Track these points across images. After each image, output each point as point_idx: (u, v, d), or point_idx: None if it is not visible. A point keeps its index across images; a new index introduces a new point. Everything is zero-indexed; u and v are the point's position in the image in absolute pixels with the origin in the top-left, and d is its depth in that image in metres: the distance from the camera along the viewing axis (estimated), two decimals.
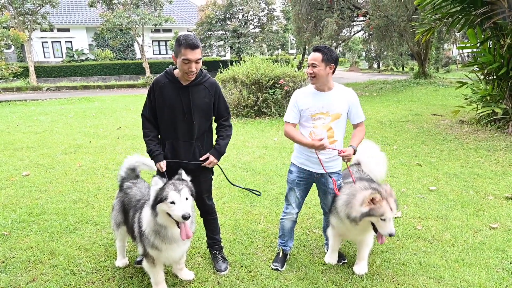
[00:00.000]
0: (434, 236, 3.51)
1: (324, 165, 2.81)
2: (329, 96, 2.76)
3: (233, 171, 5.43)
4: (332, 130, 2.78)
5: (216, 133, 2.93)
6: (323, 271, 2.97)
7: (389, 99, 12.32)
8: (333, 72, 2.72)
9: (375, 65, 34.77)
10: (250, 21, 26.50)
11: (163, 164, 2.68)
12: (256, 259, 3.15)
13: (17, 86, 19.64)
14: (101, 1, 21.85)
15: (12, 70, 14.13)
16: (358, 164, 3.27)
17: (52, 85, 20.54)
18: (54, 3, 19.50)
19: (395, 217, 3.89)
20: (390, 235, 2.53)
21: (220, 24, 25.06)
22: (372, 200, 2.55)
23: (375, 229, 2.63)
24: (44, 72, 23.41)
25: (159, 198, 2.35)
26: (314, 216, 3.94)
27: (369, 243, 2.95)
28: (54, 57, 28.03)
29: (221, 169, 3.02)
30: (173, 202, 2.31)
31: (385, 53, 26.70)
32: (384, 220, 2.53)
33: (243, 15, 25.97)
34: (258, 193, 3.09)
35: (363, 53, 34.41)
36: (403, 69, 30.77)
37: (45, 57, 27.83)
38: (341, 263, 3.07)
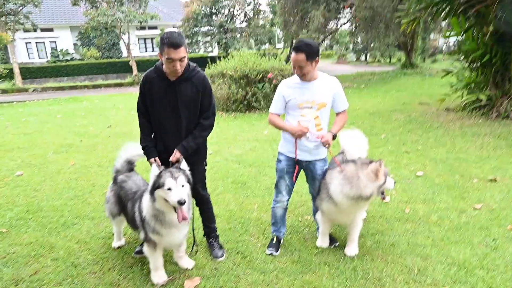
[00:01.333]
0: (422, 218, 3.67)
1: (311, 152, 2.93)
2: (315, 86, 2.86)
3: (225, 164, 5.53)
4: (319, 118, 2.88)
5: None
6: (315, 254, 3.10)
7: (377, 90, 12.52)
8: (317, 63, 2.79)
9: (363, 57, 35.01)
10: (237, 16, 26.45)
11: (157, 160, 2.75)
12: (251, 246, 3.26)
13: (2, 88, 19.36)
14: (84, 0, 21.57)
15: None
16: (343, 152, 3.37)
17: (38, 86, 20.29)
18: (36, 3, 19.15)
19: (383, 202, 4.03)
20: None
21: (206, 20, 24.98)
22: (377, 171, 2.73)
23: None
24: (29, 73, 23.07)
25: (157, 185, 2.45)
26: (306, 203, 4.06)
27: (359, 224, 3.08)
28: (39, 57, 27.62)
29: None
30: (169, 189, 2.41)
31: (372, 44, 26.94)
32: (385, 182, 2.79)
33: (229, 10, 25.92)
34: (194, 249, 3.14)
35: (350, 46, 34.58)
36: (390, 60, 31.06)
37: (29, 58, 27.41)
38: (332, 246, 3.20)
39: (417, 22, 8.36)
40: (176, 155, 2.73)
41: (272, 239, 3.25)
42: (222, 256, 3.07)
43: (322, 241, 3.21)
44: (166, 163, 2.72)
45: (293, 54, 2.77)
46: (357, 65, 29.58)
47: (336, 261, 2.98)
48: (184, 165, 2.59)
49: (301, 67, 2.74)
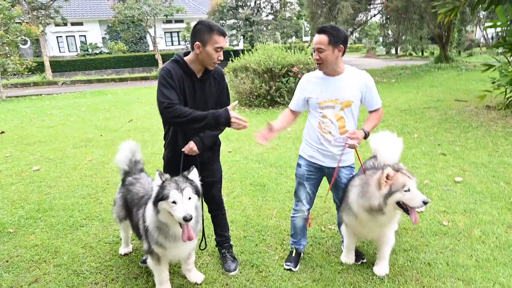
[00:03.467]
0: (462, 232, 3.23)
1: (336, 158, 2.56)
2: (339, 81, 2.48)
3: (244, 163, 5.23)
4: (343, 119, 2.50)
5: None
6: (340, 271, 2.75)
7: (408, 85, 11.82)
8: (343, 54, 2.42)
9: (393, 51, 33.72)
10: (263, 9, 26.01)
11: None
12: (267, 258, 2.95)
13: (33, 81, 19.93)
14: None
15: (26, 65, 14.19)
16: (375, 156, 2.99)
17: (67, 79, 20.75)
18: None
19: (418, 212, 3.61)
20: (425, 202, 2.24)
21: (232, 13, 24.71)
22: (387, 177, 2.31)
23: (406, 210, 2.33)
24: (59, 66, 23.67)
25: (160, 196, 2.17)
26: (330, 210, 3.70)
27: (389, 240, 2.69)
28: (69, 51, 28.30)
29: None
30: (174, 202, 2.13)
31: (403, 37, 25.76)
32: (409, 190, 2.27)
33: (255, 3, 25.52)
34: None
35: (380, 38, 33.38)
36: (422, 53, 29.75)
37: (60, 51, 28.13)
38: (359, 263, 2.84)
39: (455, 12, 7.69)
40: (190, 145, 2.47)
41: (291, 252, 2.93)
42: (235, 269, 2.78)
43: (347, 257, 2.86)
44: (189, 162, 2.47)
45: (315, 37, 2.41)
46: (387, 59, 28.49)
47: (363, 282, 2.62)
48: (193, 174, 2.29)
49: (320, 51, 2.35)
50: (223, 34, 2.32)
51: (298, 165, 2.77)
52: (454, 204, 3.76)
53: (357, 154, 2.60)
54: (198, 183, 2.29)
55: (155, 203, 2.21)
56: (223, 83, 2.59)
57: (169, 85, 2.29)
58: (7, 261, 2.96)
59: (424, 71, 14.69)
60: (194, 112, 2.24)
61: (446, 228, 3.30)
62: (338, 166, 2.58)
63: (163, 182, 2.19)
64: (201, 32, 2.28)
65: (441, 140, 5.89)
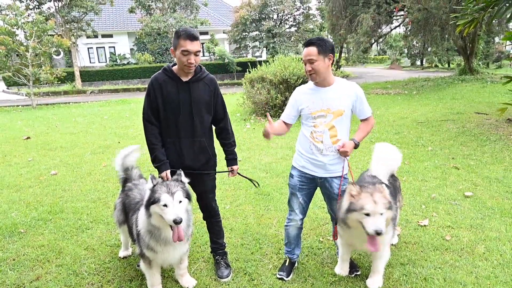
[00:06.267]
0: (465, 248, 3.13)
1: (326, 167, 2.59)
2: (330, 92, 2.53)
3: (252, 172, 5.27)
4: (335, 128, 2.54)
5: (219, 139, 2.81)
6: (332, 283, 2.73)
7: (429, 97, 11.56)
8: (332, 63, 2.50)
9: (418, 62, 33.06)
10: (285, 21, 26.24)
11: (169, 173, 2.57)
12: (261, 267, 2.96)
13: (64, 90, 20.87)
14: (140, 7, 22.68)
15: (56, 75, 14.92)
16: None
17: (95, 88, 21.59)
18: (97, 11, 20.48)
19: (420, 225, 3.53)
20: (377, 232, 2.18)
21: (255, 25, 25.04)
22: (350, 194, 2.31)
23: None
24: (88, 76, 24.66)
25: (152, 200, 2.26)
26: (330, 221, 3.67)
27: (383, 254, 2.63)
28: (99, 61, 29.49)
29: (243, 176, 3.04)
30: (165, 205, 2.21)
31: (429, 49, 25.25)
32: (368, 215, 2.23)
33: (277, 15, 25.78)
34: (256, 184, 3.16)
35: (405, 50, 32.81)
36: (449, 65, 29.02)
37: (90, 62, 29.36)
38: (353, 275, 2.81)
39: (475, 24, 7.50)
40: (236, 170, 2.86)
41: (284, 261, 2.93)
42: (227, 276, 2.81)
43: (341, 268, 2.82)
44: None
45: (304, 50, 2.49)
46: (412, 70, 27.94)
47: None
48: (183, 177, 2.38)
49: (312, 61, 2.42)
50: (189, 38, 2.36)
51: (291, 175, 2.80)
52: (461, 219, 3.64)
53: (349, 165, 2.61)
54: (187, 187, 2.36)
55: (147, 207, 2.30)
56: (216, 91, 2.66)
57: (148, 95, 2.60)
58: (13, 260, 3.12)
59: (447, 83, 14.32)
60: (151, 144, 2.61)
61: (449, 243, 3.21)
62: (342, 176, 2.62)
63: (154, 185, 2.28)
64: (174, 38, 2.43)
65: (456, 154, 5.73)
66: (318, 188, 2.79)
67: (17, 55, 14.38)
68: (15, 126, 9.92)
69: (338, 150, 2.53)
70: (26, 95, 16.09)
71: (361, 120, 2.67)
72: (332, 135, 2.53)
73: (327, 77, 2.50)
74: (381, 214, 2.23)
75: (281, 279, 2.78)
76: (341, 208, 2.40)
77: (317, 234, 3.48)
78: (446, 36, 13.83)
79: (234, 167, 2.84)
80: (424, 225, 3.53)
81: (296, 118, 2.72)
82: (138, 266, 2.94)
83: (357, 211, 2.27)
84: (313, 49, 2.40)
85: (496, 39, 24.25)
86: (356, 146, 2.55)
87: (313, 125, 2.56)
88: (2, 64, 13.57)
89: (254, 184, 3.08)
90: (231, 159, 2.83)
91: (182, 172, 2.40)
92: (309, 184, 2.72)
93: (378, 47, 38.15)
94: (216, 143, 2.81)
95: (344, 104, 2.52)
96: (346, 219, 2.35)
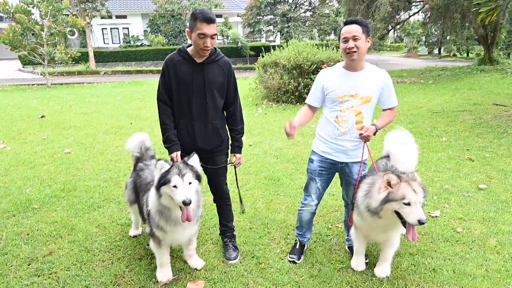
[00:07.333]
0: (476, 240, 3.08)
1: (348, 152, 2.56)
2: (360, 77, 2.48)
3: (262, 157, 5.27)
4: (361, 114, 2.50)
5: (227, 124, 2.79)
6: (339, 269, 2.73)
7: (445, 87, 11.29)
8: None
9: (436, 51, 32.18)
10: (301, 5, 25.72)
11: (179, 154, 2.59)
12: (269, 251, 2.98)
13: (78, 70, 21.03)
14: None
15: (71, 55, 15.00)
16: (387, 156, 2.91)
17: (108, 69, 21.68)
18: None
19: (432, 216, 3.49)
20: (420, 222, 2.13)
21: (269, 9, 24.63)
22: (389, 183, 2.24)
23: (404, 223, 2.25)
24: (102, 57, 24.75)
25: (163, 181, 2.27)
26: (340, 209, 3.66)
27: (394, 243, 2.62)
28: (113, 43, 29.53)
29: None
30: (175, 186, 2.22)
31: (448, 37, 24.51)
32: (409, 204, 2.17)
33: None
34: (242, 210, 3.24)
35: (423, 38, 31.92)
36: (467, 55, 28.16)
37: (104, 43, 29.41)
38: None
39: (498, 11, 7.21)
40: (241, 159, 2.83)
41: (295, 244, 2.95)
42: (235, 259, 2.84)
43: (357, 262, 2.75)
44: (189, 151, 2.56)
45: (345, 27, 2.41)
46: (429, 59, 27.26)
47: (361, 282, 2.59)
48: (193, 160, 2.38)
49: (356, 39, 2.35)
50: (206, 21, 2.34)
51: (311, 160, 2.77)
52: (473, 211, 3.59)
53: (369, 151, 2.57)
54: (199, 168, 2.37)
55: (158, 188, 2.32)
56: (230, 74, 2.64)
57: (162, 75, 2.60)
58: (27, 234, 3.20)
59: (465, 73, 13.94)
60: (164, 124, 2.62)
61: (459, 235, 3.17)
62: (362, 162, 2.61)
63: (166, 167, 2.29)
64: (190, 20, 2.40)
65: (471, 145, 5.61)
66: None
67: (33, 34, 14.47)
68: (30, 104, 10.07)
69: (361, 134, 2.48)
70: (41, 74, 16.23)
71: (384, 110, 2.62)
72: (358, 121, 2.50)
73: (363, 59, 2.46)
74: (420, 202, 2.20)
75: (293, 261, 2.80)
76: (373, 199, 2.32)
77: (326, 221, 3.47)
78: (467, 24, 13.36)
79: (237, 155, 2.80)
80: (436, 216, 3.49)
81: (322, 101, 2.66)
82: (148, 245, 2.99)
83: (397, 201, 2.20)
84: (357, 27, 2.36)
85: None
86: (375, 132, 2.50)
87: (339, 109, 2.52)
88: (18, 42, 13.67)
89: (242, 208, 3.11)
90: (235, 147, 2.79)
91: (195, 155, 2.40)
92: (329, 170, 2.69)
93: (395, 34, 37.21)
94: None
95: (374, 91, 2.49)
96: (380, 210, 2.27)
